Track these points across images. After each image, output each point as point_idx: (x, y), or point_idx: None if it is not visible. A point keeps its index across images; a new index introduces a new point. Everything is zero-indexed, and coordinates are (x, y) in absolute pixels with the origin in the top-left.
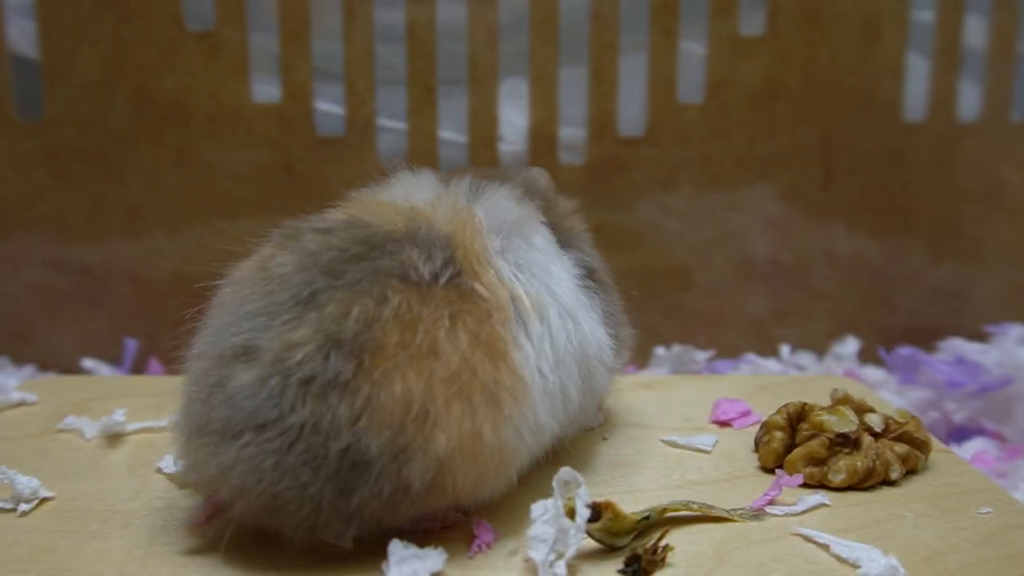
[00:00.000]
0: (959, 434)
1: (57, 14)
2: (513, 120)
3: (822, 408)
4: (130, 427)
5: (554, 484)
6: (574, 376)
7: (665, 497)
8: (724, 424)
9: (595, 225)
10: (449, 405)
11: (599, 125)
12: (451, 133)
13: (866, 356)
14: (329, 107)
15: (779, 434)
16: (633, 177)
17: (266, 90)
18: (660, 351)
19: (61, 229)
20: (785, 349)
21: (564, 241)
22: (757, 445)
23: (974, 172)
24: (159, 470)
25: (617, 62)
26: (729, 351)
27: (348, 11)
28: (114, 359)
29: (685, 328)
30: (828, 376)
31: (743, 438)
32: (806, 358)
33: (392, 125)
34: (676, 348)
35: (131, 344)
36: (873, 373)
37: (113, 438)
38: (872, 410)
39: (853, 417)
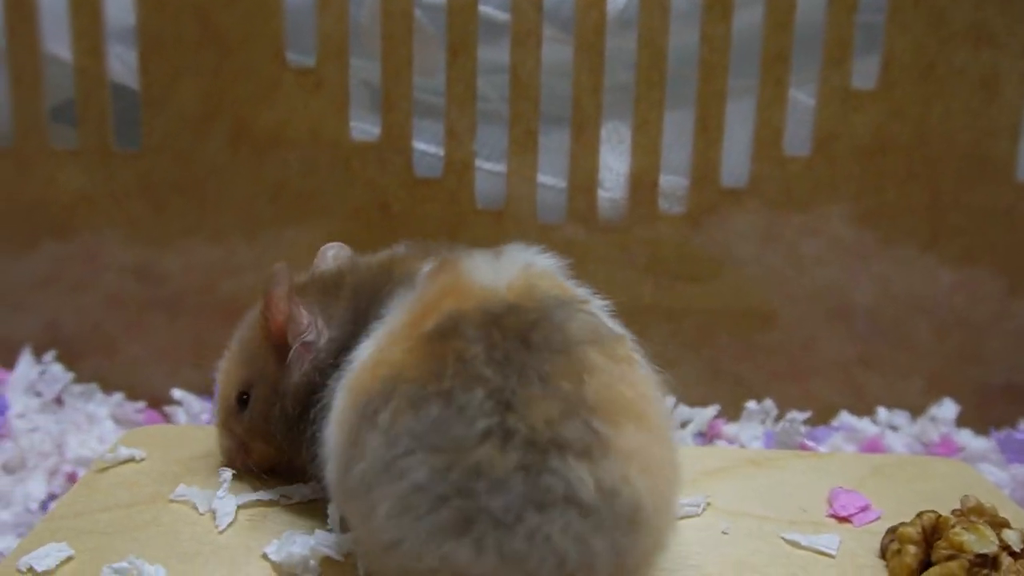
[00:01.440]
0: None
1: (159, 44)
2: (612, 165)
3: (958, 520)
4: (240, 500)
5: None
6: None
7: None
8: (843, 520)
9: (694, 275)
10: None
11: (701, 174)
12: (550, 178)
13: (964, 420)
14: (427, 147)
15: (913, 548)
16: (734, 228)
17: (365, 128)
18: (752, 406)
19: (155, 261)
20: (882, 412)
21: None
22: (884, 552)
23: None
24: (265, 556)
25: (724, 111)
26: (821, 405)
27: (451, 50)
28: (202, 387)
29: (776, 374)
30: (942, 460)
31: (865, 539)
32: (900, 417)
33: (490, 167)
34: (768, 403)
35: None
36: (973, 441)
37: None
38: (1007, 523)
39: (993, 536)
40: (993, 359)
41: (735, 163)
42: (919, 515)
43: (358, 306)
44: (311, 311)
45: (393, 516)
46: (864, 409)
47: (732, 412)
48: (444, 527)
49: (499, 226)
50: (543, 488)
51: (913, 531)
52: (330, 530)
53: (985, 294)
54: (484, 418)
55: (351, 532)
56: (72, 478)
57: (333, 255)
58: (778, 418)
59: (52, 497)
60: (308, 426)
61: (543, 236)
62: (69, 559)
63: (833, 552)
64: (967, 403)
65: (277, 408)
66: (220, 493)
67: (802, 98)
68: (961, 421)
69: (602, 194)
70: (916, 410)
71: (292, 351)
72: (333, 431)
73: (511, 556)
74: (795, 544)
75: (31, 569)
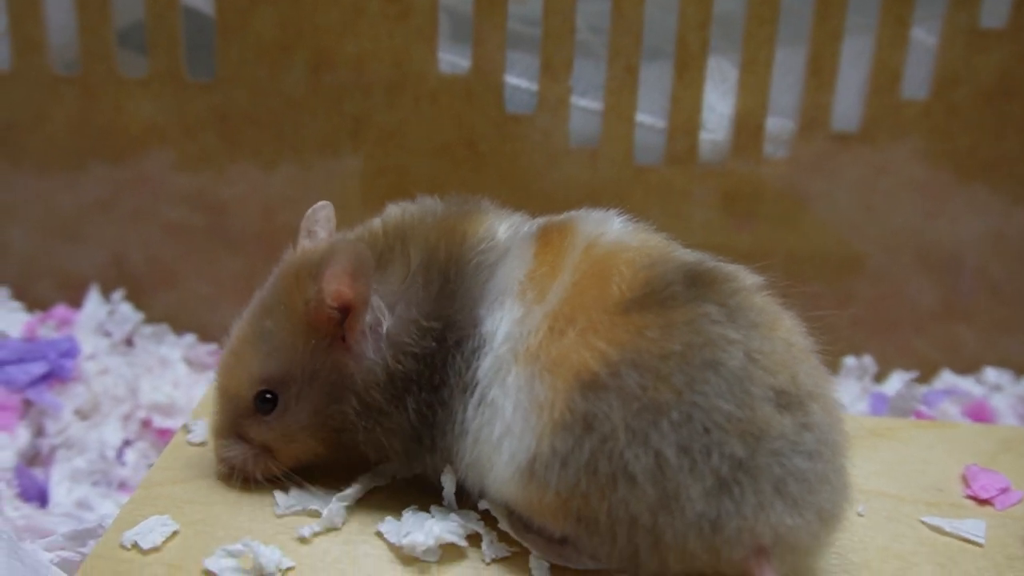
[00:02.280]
0: None
1: None
2: (716, 106)
3: None
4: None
5: None
6: None
7: None
8: (983, 503)
9: (796, 222)
10: None
11: (810, 118)
12: (648, 117)
13: None
14: (519, 81)
15: None
16: (841, 175)
17: (453, 60)
18: (850, 362)
19: (226, 197)
20: (992, 373)
21: None
22: None
23: None
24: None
25: (839, 52)
26: (923, 362)
27: None
28: None
29: (875, 327)
30: None
31: (1009, 525)
32: (1004, 376)
33: (586, 104)
34: (867, 360)
35: None
36: None
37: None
38: None
39: None
40: None
41: (847, 106)
42: None
43: (441, 280)
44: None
45: (707, 494)
46: (963, 366)
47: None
48: (763, 493)
49: (593, 167)
50: (814, 439)
51: None
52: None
53: None
54: (751, 381)
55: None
56: (147, 424)
57: (325, 216)
58: (877, 377)
59: (127, 444)
60: (406, 413)
61: (638, 178)
62: (175, 534)
63: (981, 540)
64: None
65: (350, 403)
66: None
67: (923, 37)
68: None
69: (704, 136)
70: (1019, 367)
71: (356, 339)
72: (512, 415)
73: (822, 509)
74: (938, 530)
75: (136, 546)
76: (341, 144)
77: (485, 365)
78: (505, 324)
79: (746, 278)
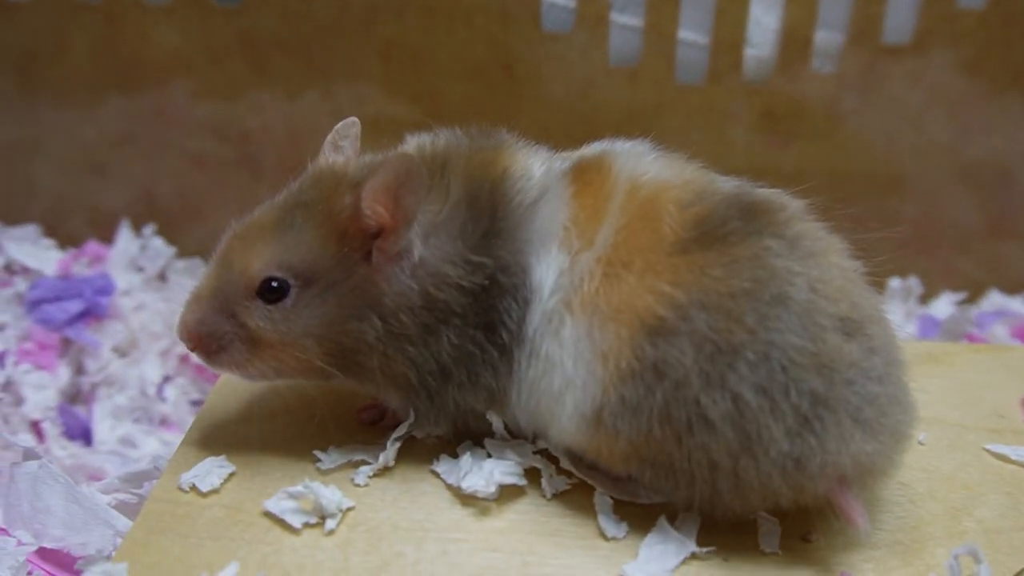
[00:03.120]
0: None
1: None
2: (761, 20)
3: None
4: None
5: (951, 560)
6: None
7: (1021, 539)
8: None
9: (841, 140)
10: None
11: (860, 29)
12: (691, 33)
13: None
14: None
15: None
16: (889, 90)
17: None
18: (895, 284)
19: (255, 127)
20: None
21: None
22: None
23: None
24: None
25: None
26: (969, 282)
27: None
28: None
29: (919, 248)
30: None
31: None
32: None
33: (625, 21)
34: (913, 281)
35: None
36: None
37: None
38: None
39: None
40: None
41: (899, 17)
42: None
43: (490, 215)
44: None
45: (789, 433)
46: (1011, 285)
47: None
48: (842, 424)
49: (633, 87)
50: (882, 362)
51: None
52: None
53: None
54: (819, 313)
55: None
56: (185, 360)
57: (355, 133)
58: (923, 298)
59: (167, 380)
60: (439, 345)
61: (679, 99)
62: (232, 475)
63: None
64: None
65: (371, 324)
66: None
67: None
68: None
69: (748, 52)
70: None
71: (385, 259)
72: (573, 368)
73: (896, 431)
74: (1003, 458)
75: (194, 488)
76: (371, 68)
77: (535, 319)
78: (552, 274)
79: (792, 204)
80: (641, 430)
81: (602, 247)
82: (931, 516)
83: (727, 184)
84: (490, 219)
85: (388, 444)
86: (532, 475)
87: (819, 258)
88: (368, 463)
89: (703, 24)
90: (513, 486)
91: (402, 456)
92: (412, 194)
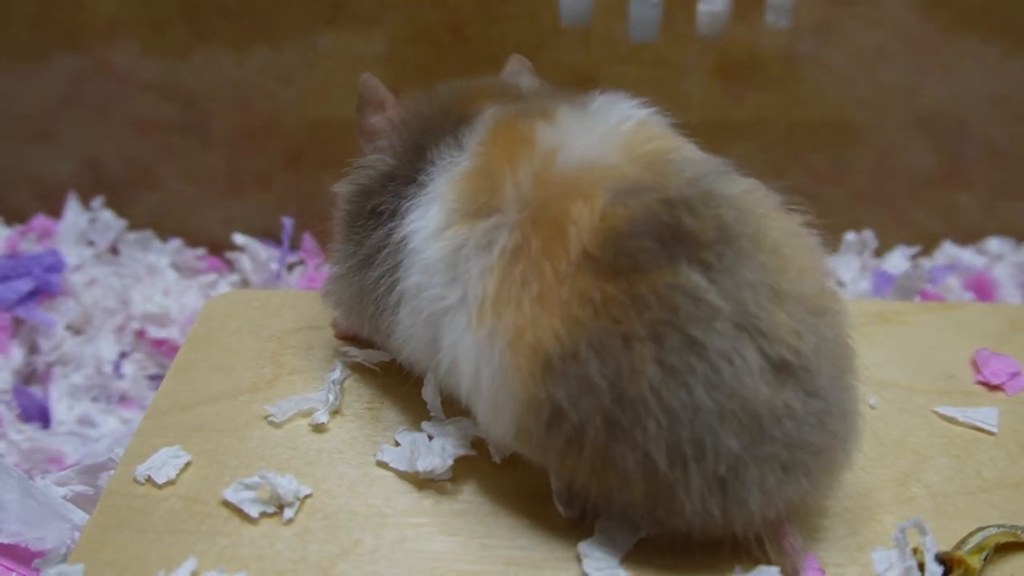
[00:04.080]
0: None
1: None
2: None
3: None
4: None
5: (897, 533)
6: None
7: (967, 502)
8: (994, 388)
9: (796, 94)
10: None
11: None
12: None
13: None
14: None
15: None
16: (842, 40)
17: None
18: (851, 237)
19: (205, 93)
20: (994, 243)
21: None
22: None
23: None
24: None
25: None
26: (923, 234)
27: None
28: (263, 227)
29: (873, 198)
30: None
31: (1020, 411)
32: (1005, 245)
33: None
34: (868, 235)
35: (288, 223)
36: None
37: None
38: None
39: None
40: None
41: None
42: None
43: (413, 139)
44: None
45: (705, 493)
46: (964, 235)
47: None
48: (768, 479)
49: (586, 46)
50: (823, 404)
51: None
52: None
53: None
54: (744, 359)
55: None
56: (141, 335)
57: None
58: (878, 251)
59: (123, 356)
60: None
61: (633, 56)
62: (188, 465)
63: (994, 429)
64: None
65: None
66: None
67: None
68: None
69: (701, 7)
70: (1020, 234)
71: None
72: (488, 387)
73: (834, 462)
74: (951, 420)
75: (150, 480)
76: (318, 30)
77: (412, 281)
78: (423, 238)
79: (759, 203)
80: (561, 454)
81: (497, 248)
82: (880, 483)
83: (689, 166)
84: (418, 134)
85: (330, 385)
86: (479, 444)
87: (763, 285)
88: (317, 409)
89: None
90: (466, 459)
91: (356, 439)
92: (362, 112)
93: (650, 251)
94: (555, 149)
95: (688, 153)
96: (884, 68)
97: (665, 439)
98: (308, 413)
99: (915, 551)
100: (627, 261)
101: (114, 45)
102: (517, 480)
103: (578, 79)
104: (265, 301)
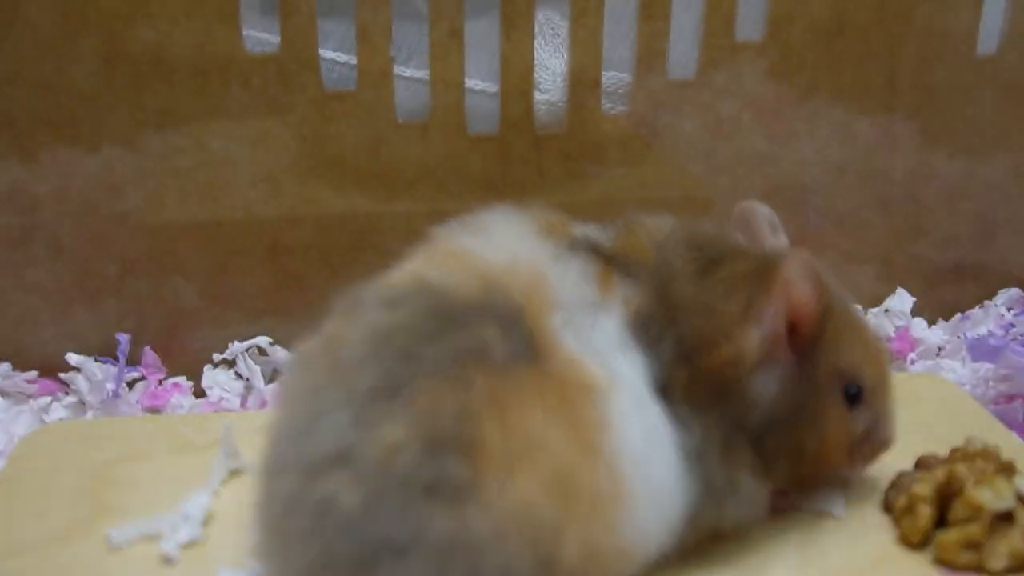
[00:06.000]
0: None
1: None
2: (548, 63)
3: (968, 472)
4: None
5: None
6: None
7: None
8: None
9: (640, 182)
10: (567, 509)
11: (646, 67)
12: (479, 82)
13: (918, 310)
14: (336, 55)
15: (926, 509)
16: (683, 125)
17: (261, 36)
18: None
19: (27, 203)
20: None
21: None
22: (890, 507)
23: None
24: None
25: None
26: None
27: None
28: (98, 343)
29: None
30: (921, 377)
31: (863, 489)
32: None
33: (410, 74)
34: None
35: (124, 339)
36: (930, 334)
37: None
38: (1013, 467)
39: (1008, 491)
40: (942, 240)
41: (682, 53)
42: (924, 466)
43: None
44: None
45: None
46: None
47: None
48: None
49: (424, 141)
50: None
51: (925, 490)
52: None
53: (940, 174)
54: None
55: None
56: None
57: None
58: None
59: None
60: None
61: (474, 148)
62: None
63: (841, 513)
64: (915, 287)
65: None
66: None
67: None
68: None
69: (538, 96)
70: (868, 300)
71: None
72: None
73: None
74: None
75: None
76: (147, 141)
77: None
78: None
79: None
80: None
81: None
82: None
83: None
84: None
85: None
86: None
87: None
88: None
89: (491, 72)
90: None
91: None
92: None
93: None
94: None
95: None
96: (729, 150)
97: None
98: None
99: None
100: None
101: None
102: None
103: (421, 174)
104: (87, 432)
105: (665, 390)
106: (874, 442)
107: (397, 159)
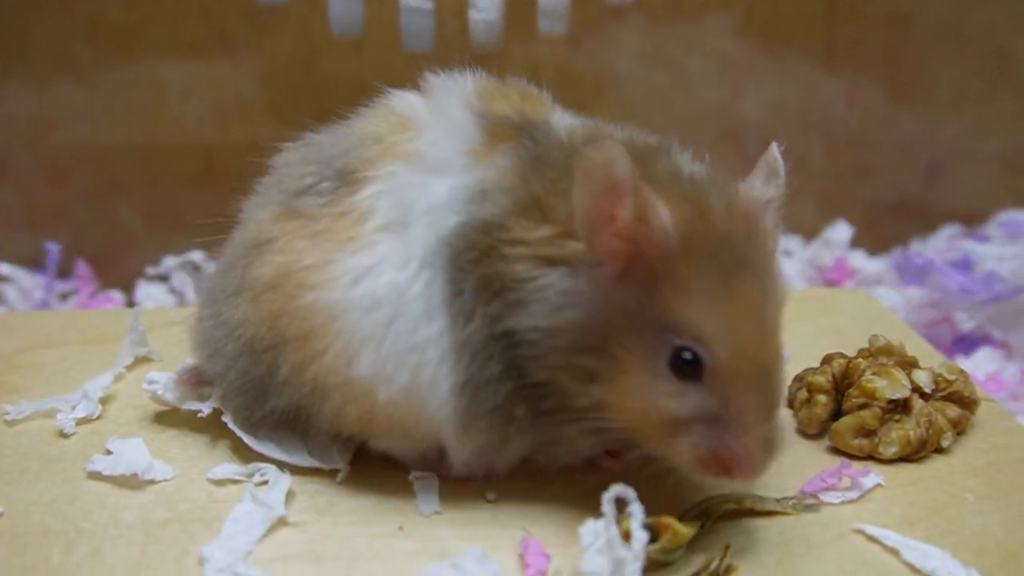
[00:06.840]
0: (963, 342)
1: None
2: None
3: (868, 363)
4: (75, 412)
5: (604, 505)
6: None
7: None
8: None
9: (576, 100)
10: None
11: None
12: None
13: (857, 240)
14: None
15: (823, 398)
16: (618, 47)
17: None
18: None
19: None
20: (784, 240)
21: None
22: (792, 401)
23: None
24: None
25: None
26: None
27: None
28: (29, 254)
29: None
30: (844, 291)
31: None
32: (792, 242)
33: None
34: None
35: (53, 248)
36: (868, 263)
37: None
38: (916, 363)
39: (904, 380)
40: (883, 177)
41: None
42: (827, 361)
43: None
44: None
45: None
46: None
47: None
48: None
49: (359, 57)
50: None
51: (823, 380)
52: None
53: (877, 109)
54: None
55: None
56: None
57: None
58: None
59: None
60: None
61: (410, 65)
62: None
63: None
64: (859, 223)
65: None
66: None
67: None
68: (854, 242)
69: (474, 15)
70: (809, 232)
71: None
72: None
73: None
74: None
75: None
76: (77, 51)
77: None
78: None
79: None
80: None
81: None
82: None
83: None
84: None
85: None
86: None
87: None
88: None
89: None
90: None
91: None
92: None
93: None
94: None
95: None
96: (700, 87)
97: None
98: (50, 413)
99: (622, 520)
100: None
101: None
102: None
103: (356, 90)
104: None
105: (458, 266)
106: (721, 451)
107: (332, 75)
